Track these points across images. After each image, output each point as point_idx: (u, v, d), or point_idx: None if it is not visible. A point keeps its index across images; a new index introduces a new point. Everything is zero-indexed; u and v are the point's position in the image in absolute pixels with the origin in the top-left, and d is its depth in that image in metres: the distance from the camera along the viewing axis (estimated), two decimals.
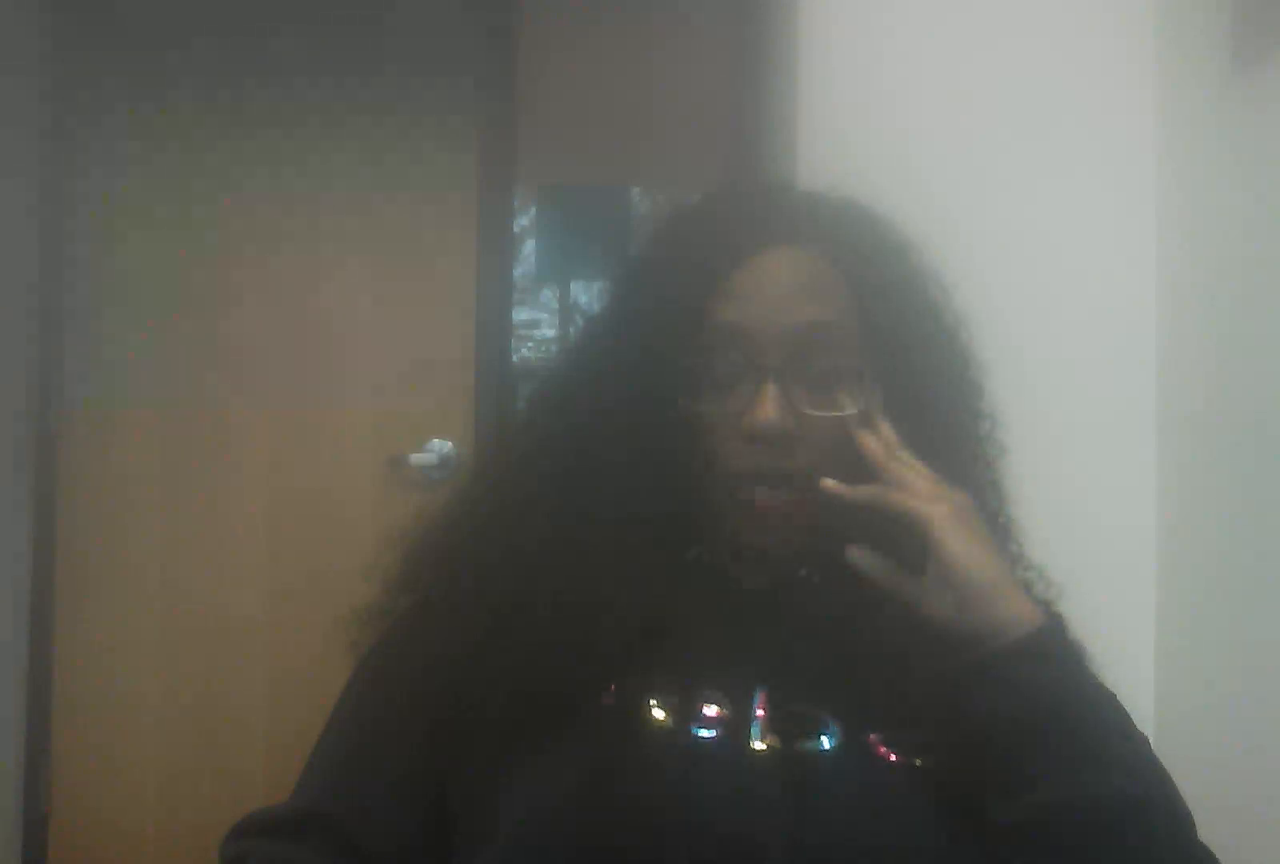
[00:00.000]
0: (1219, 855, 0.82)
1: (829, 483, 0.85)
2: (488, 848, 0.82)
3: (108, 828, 2.58)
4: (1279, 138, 1.48)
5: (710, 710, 0.84)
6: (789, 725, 0.84)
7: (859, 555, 0.85)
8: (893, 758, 0.84)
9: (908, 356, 0.88)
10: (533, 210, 3.17)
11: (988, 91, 1.75)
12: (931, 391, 0.90)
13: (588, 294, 3.17)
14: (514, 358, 2.89)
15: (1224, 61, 1.57)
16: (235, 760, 2.55)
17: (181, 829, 2.51)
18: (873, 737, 0.84)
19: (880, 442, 0.86)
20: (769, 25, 2.27)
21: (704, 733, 0.83)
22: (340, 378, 2.63)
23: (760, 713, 0.84)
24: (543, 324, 3.34)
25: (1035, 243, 1.73)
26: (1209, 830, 0.83)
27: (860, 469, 0.86)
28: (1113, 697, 0.84)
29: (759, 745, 0.83)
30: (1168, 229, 1.73)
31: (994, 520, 0.92)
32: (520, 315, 3.09)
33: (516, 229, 3.00)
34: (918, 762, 0.83)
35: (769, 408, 0.84)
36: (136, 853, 2.56)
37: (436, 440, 2.60)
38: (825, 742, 0.84)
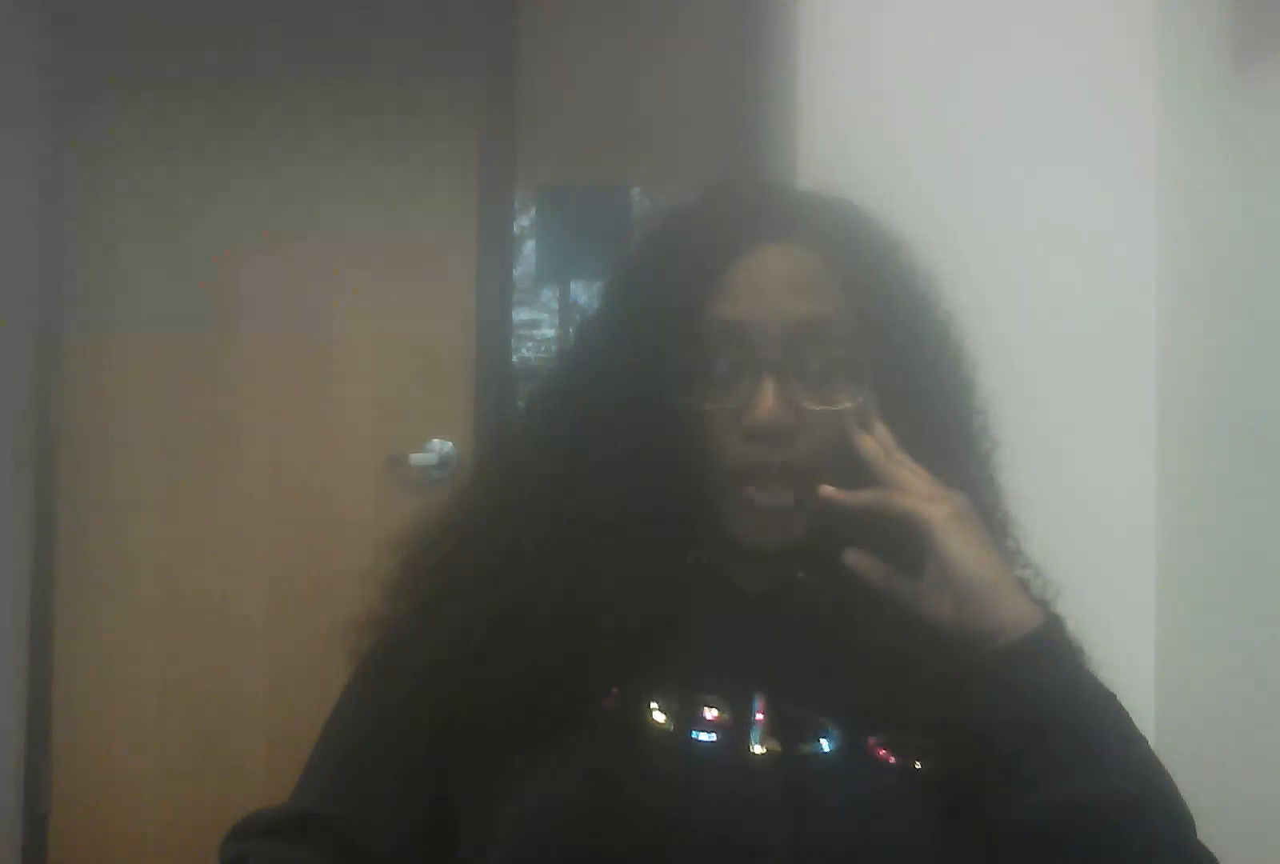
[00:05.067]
0: (1219, 855, 0.82)
1: (828, 490, 0.85)
2: (489, 850, 0.82)
3: (108, 828, 2.58)
4: (1279, 137, 1.48)
5: (710, 714, 0.84)
6: (788, 729, 0.84)
7: (857, 558, 0.85)
8: (892, 760, 0.83)
9: (900, 352, 0.88)
10: (533, 210, 3.16)
11: (987, 91, 1.75)
12: (924, 387, 0.90)
13: (588, 294, 3.17)
14: (514, 358, 2.89)
15: (1224, 61, 1.57)
16: (235, 760, 2.55)
17: (181, 829, 2.51)
18: (872, 740, 0.84)
19: (877, 442, 0.86)
20: (769, 25, 2.27)
21: (704, 737, 0.83)
22: (340, 378, 2.63)
23: (760, 717, 0.84)
24: (543, 324, 3.33)
25: (1036, 242, 1.73)
26: (1209, 830, 0.83)
27: (860, 464, 0.86)
28: (1112, 697, 0.84)
29: (759, 749, 0.83)
30: (1168, 228, 1.73)
31: (990, 516, 0.92)
32: (520, 315, 3.08)
33: (516, 229, 3.00)
34: (917, 764, 0.83)
35: (768, 403, 0.84)
36: (136, 853, 2.56)
37: (436, 440, 2.60)
38: (825, 745, 0.84)
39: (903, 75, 1.75)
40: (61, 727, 2.61)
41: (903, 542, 0.83)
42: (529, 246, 3.21)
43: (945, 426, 0.91)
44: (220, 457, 2.63)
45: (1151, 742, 0.83)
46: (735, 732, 0.84)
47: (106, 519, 2.63)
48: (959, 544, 0.81)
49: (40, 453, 2.63)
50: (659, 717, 0.84)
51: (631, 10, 2.81)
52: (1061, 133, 1.74)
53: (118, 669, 2.61)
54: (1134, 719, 0.84)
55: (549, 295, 3.30)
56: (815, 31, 1.80)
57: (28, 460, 2.60)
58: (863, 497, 0.84)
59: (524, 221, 3.13)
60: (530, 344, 3.24)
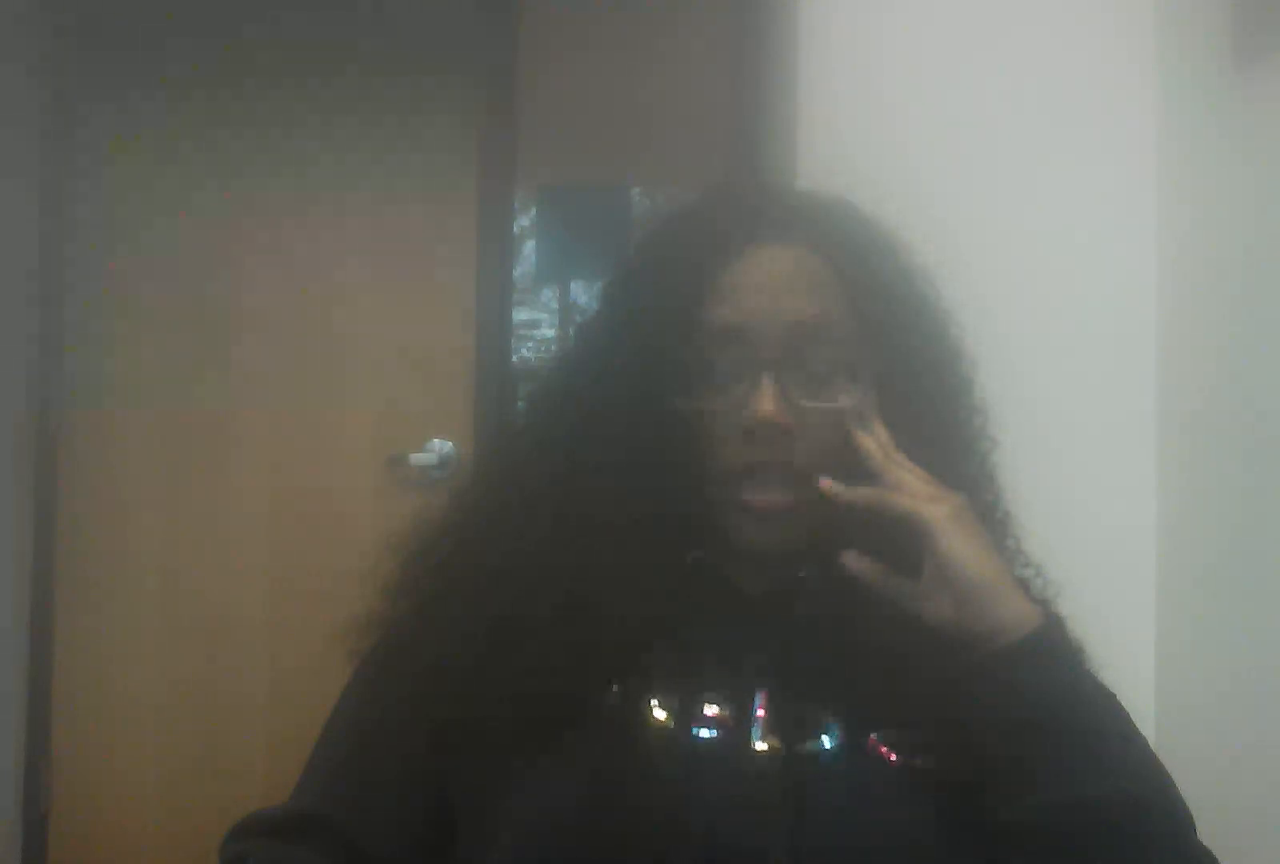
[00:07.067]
0: (1219, 855, 0.82)
1: (827, 483, 0.85)
2: (490, 850, 0.82)
3: (108, 828, 2.58)
4: (1279, 137, 1.48)
5: (711, 711, 0.84)
6: (789, 726, 0.84)
7: (855, 560, 0.85)
8: (893, 758, 0.83)
9: (899, 352, 0.88)
10: (533, 210, 3.17)
11: (988, 91, 1.75)
12: (923, 387, 0.90)
13: (588, 294, 3.17)
14: (514, 358, 2.89)
15: (1224, 61, 1.57)
16: (235, 760, 2.55)
17: (181, 829, 2.51)
18: (873, 737, 0.84)
19: (876, 442, 0.86)
20: (769, 25, 2.27)
21: (705, 733, 0.83)
22: (340, 378, 2.63)
23: (761, 714, 0.84)
24: (543, 324, 3.34)
25: (1036, 242, 1.73)
26: (1209, 830, 0.83)
27: (858, 464, 0.86)
28: (1113, 697, 0.84)
29: (760, 746, 0.83)
30: (1168, 228, 1.73)
31: (990, 515, 0.92)
32: (520, 315, 3.09)
33: (516, 229, 3.00)
34: (918, 762, 0.83)
35: (766, 402, 0.84)
36: (136, 853, 2.56)
37: (436, 440, 2.60)
38: (826, 742, 0.84)
39: (903, 75, 1.75)
40: (61, 727, 2.61)
41: (902, 542, 0.83)
42: (529, 246, 3.22)
43: (944, 426, 0.91)
44: (220, 456, 2.63)
45: (1151, 742, 0.83)
46: (736, 728, 0.84)
47: (106, 519, 2.63)
48: (958, 544, 0.81)
49: (40, 453, 2.63)
50: (659, 714, 0.84)
51: (631, 10, 2.81)
52: (1061, 133, 1.74)
53: (118, 669, 2.61)
54: (1134, 719, 0.84)
55: (549, 295, 3.30)
56: (815, 31, 1.80)
57: (28, 460, 2.60)
58: (862, 493, 0.84)
59: (524, 221, 3.14)
60: (530, 344, 3.25)
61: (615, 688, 0.85)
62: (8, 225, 2.54)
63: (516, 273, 3.01)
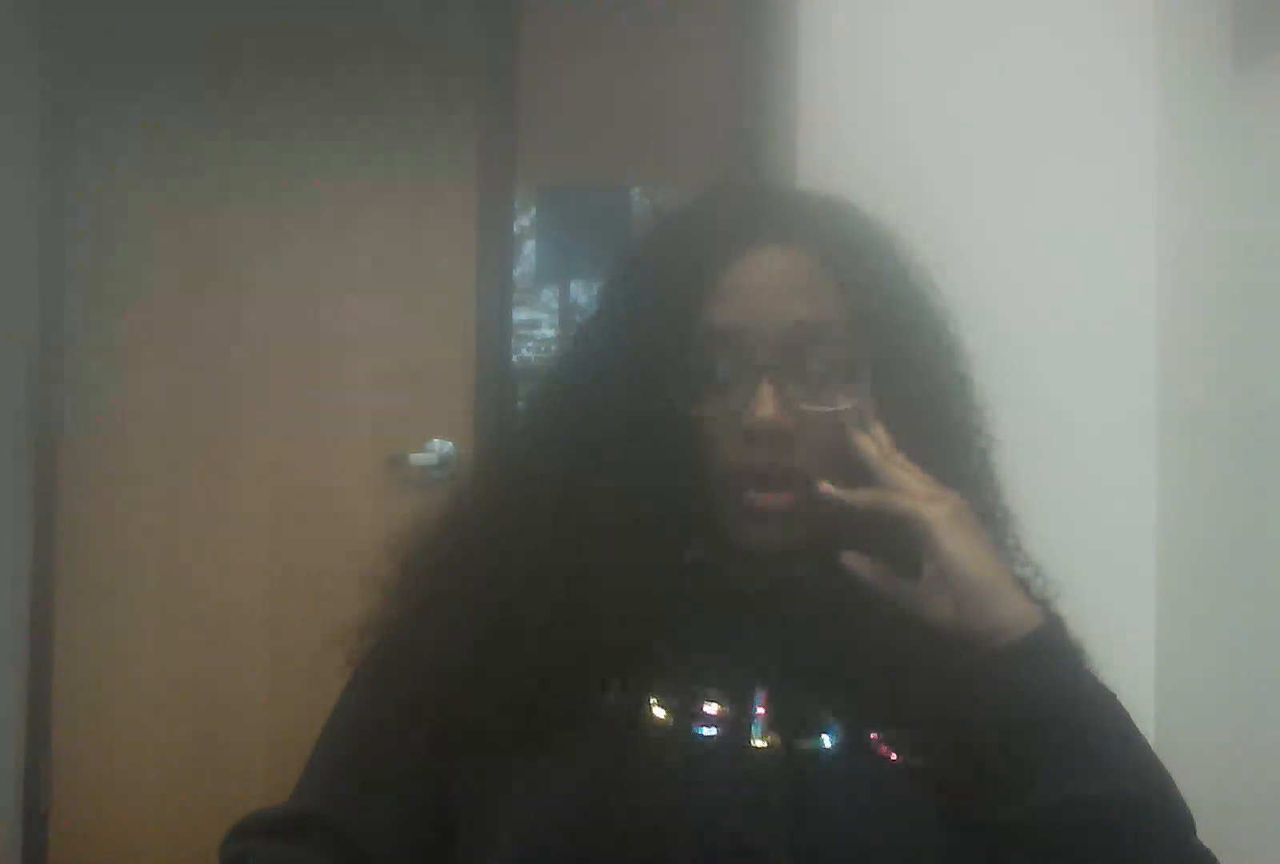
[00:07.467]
0: (1219, 855, 0.83)
1: (826, 486, 0.85)
2: (489, 849, 0.82)
3: (108, 828, 2.58)
4: (1279, 137, 1.48)
5: (711, 709, 0.84)
6: (789, 724, 0.84)
7: (854, 561, 0.85)
8: (893, 757, 0.84)
9: (898, 353, 0.88)
10: (533, 210, 3.16)
11: (988, 91, 1.75)
12: (922, 387, 0.90)
13: (588, 294, 3.17)
14: (514, 358, 2.89)
15: (1224, 61, 1.57)
16: (235, 760, 2.55)
17: (181, 829, 2.51)
18: (873, 736, 0.84)
19: (875, 444, 0.86)
20: (769, 25, 2.27)
21: (705, 731, 0.84)
22: (340, 378, 2.63)
23: (761, 711, 0.84)
24: (543, 324, 3.34)
25: (1036, 242, 1.73)
26: (1209, 830, 0.83)
27: (858, 465, 0.86)
28: (1113, 697, 0.84)
29: (760, 743, 0.83)
30: (1168, 228, 1.73)
31: (990, 514, 0.92)
32: (520, 315, 3.08)
33: (516, 229, 3.00)
34: (918, 761, 0.83)
35: (766, 406, 0.84)
36: (136, 853, 2.56)
37: (436, 440, 2.61)
38: (826, 740, 0.84)
39: (903, 75, 1.75)
40: (61, 727, 2.61)
41: (902, 542, 0.84)
42: (529, 246, 3.21)
43: (944, 426, 0.91)
44: (221, 457, 2.63)
45: (1151, 742, 0.83)
46: (736, 726, 0.84)
47: (106, 519, 2.63)
48: (957, 545, 0.82)
49: (40, 453, 2.63)
50: (659, 712, 0.84)
51: (631, 11, 2.81)
52: (1061, 133, 1.74)
53: (118, 669, 2.61)
54: (1134, 719, 0.84)
55: (549, 295, 3.30)
56: (815, 31, 1.80)
57: (28, 460, 2.60)
58: (861, 495, 0.84)
59: (524, 221, 3.13)
60: (530, 344, 3.24)
61: (615, 687, 0.85)
62: (8, 226, 2.54)
63: (516, 273, 3.01)
